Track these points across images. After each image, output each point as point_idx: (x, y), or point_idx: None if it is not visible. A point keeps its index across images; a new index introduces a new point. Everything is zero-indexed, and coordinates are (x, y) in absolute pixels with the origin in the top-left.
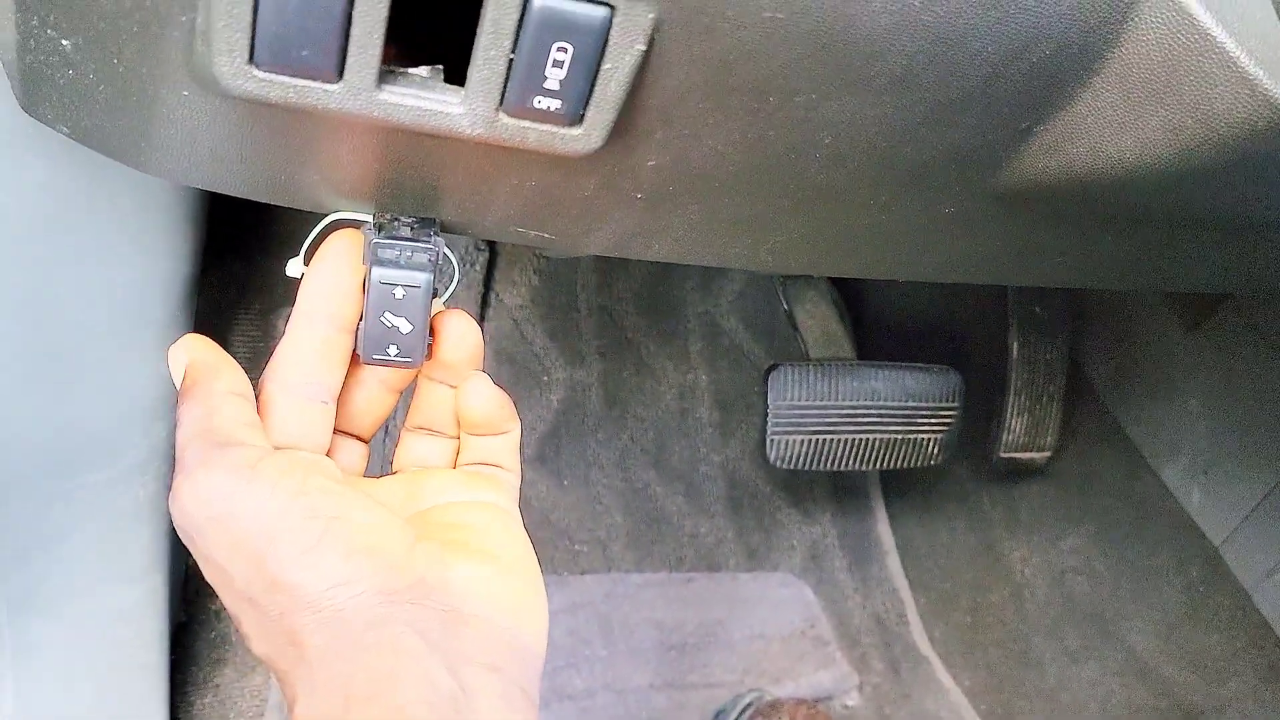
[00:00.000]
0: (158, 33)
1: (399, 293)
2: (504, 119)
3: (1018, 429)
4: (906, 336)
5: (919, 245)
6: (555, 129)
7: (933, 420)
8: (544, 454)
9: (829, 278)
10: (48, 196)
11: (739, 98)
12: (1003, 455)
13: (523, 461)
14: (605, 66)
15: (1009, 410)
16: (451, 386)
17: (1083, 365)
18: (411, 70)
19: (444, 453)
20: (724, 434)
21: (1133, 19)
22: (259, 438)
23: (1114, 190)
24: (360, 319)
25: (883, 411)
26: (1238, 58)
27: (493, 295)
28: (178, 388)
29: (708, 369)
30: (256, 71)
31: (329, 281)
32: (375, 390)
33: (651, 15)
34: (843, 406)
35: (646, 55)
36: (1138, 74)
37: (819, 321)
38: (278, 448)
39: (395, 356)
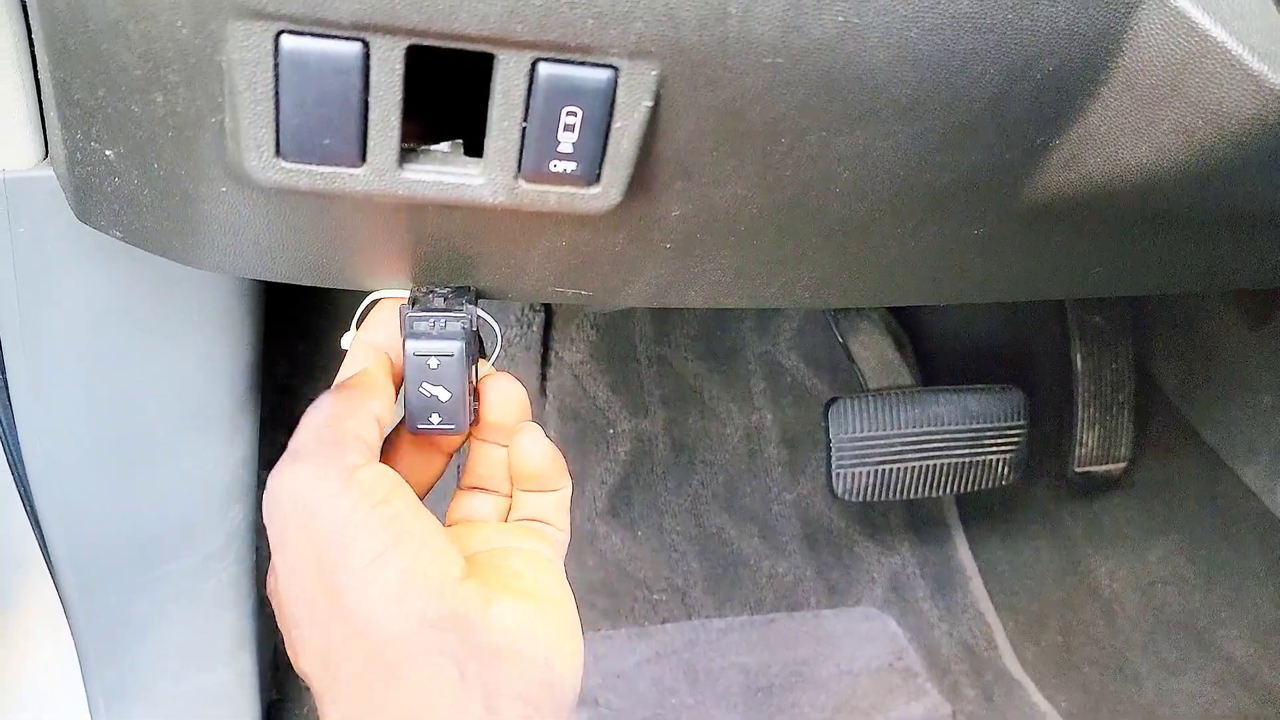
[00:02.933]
0: (191, 136)
1: (434, 363)
2: (523, 185)
3: (1090, 442)
4: (969, 358)
5: (955, 268)
6: (574, 189)
7: (1000, 440)
8: (615, 507)
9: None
10: (113, 297)
11: (752, 142)
12: (1078, 470)
13: (595, 516)
14: (616, 126)
15: (1079, 424)
16: (503, 446)
17: (1151, 372)
18: (433, 147)
19: (496, 509)
20: (794, 472)
21: (1131, 27)
22: (367, 451)
23: (1135, 196)
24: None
25: (948, 436)
26: (1239, 55)
27: (553, 354)
28: (343, 372)
29: (772, 408)
30: (284, 163)
31: (367, 354)
32: (427, 453)
33: (655, 72)
34: (906, 434)
35: (655, 110)
36: (1144, 80)
37: (875, 351)
38: None
39: (439, 424)
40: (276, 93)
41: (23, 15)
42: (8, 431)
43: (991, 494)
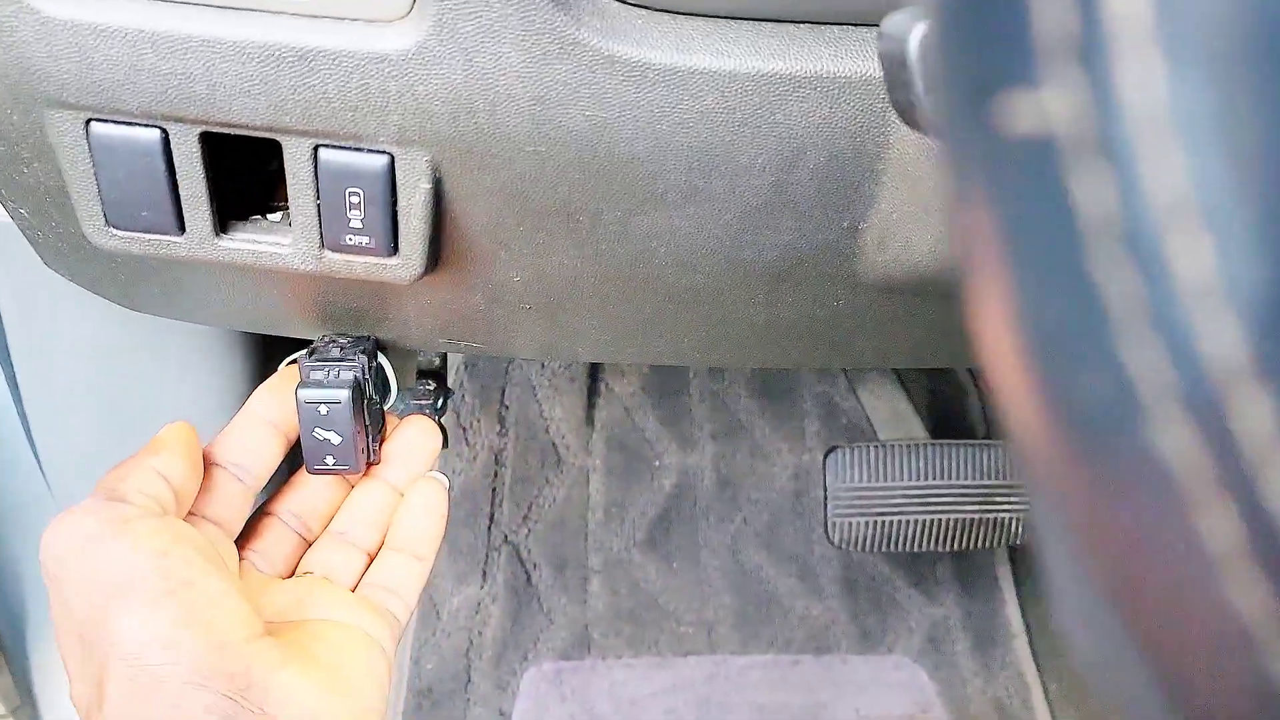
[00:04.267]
0: (61, 202)
1: (323, 409)
2: (329, 255)
3: None
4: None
5: (834, 336)
6: (376, 260)
7: (1013, 499)
8: (654, 538)
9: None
10: (109, 331)
11: (551, 219)
12: None
13: (633, 545)
14: (401, 204)
15: None
16: (398, 491)
17: None
18: (268, 216)
19: (353, 565)
20: None
21: (892, 120)
22: (149, 504)
23: (940, 277)
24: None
25: (955, 491)
26: None
27: (602, 385)
28: None
29: (824, 449)
30: (115, 231)
31: (268, 395)
32: (328, 484)
33: (427, 158)
34: (911, 487)
35: (441, 189)
36: (913, 170)
37: (885, 402)
38: (193, 514)
39: (334, 465)
40: (95, 171)
41: None
42: (36, 451)
43: None
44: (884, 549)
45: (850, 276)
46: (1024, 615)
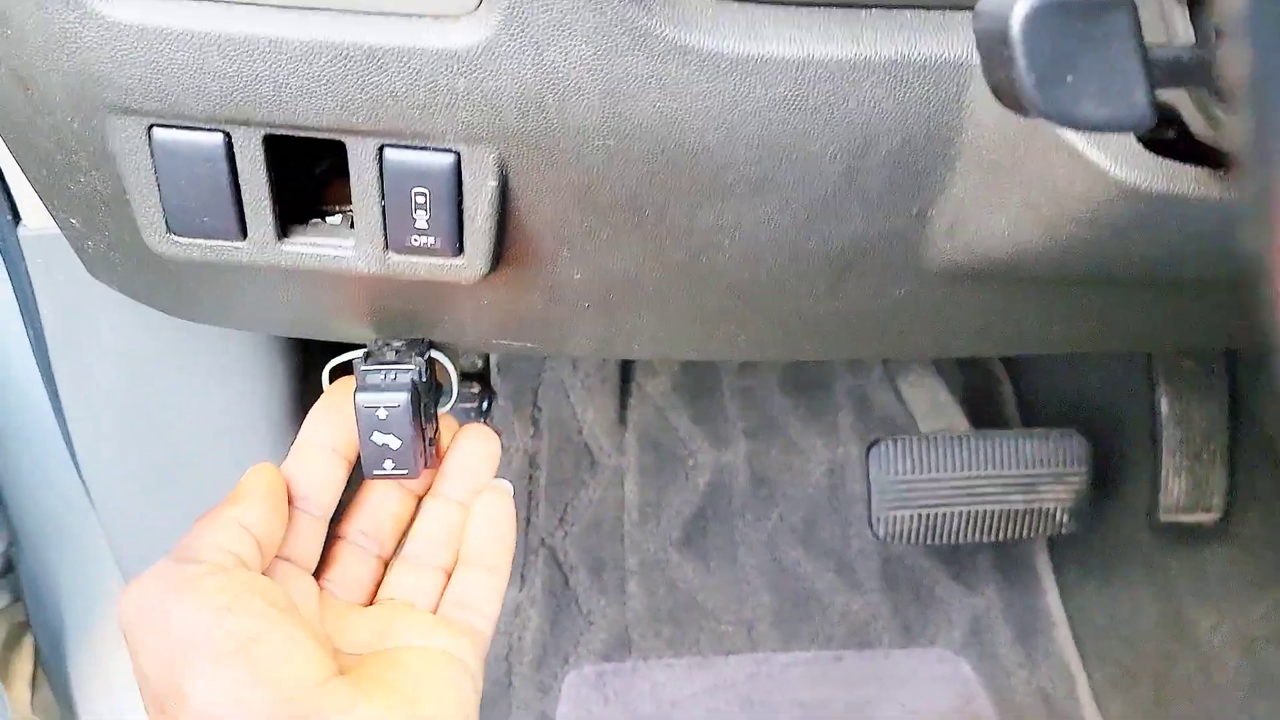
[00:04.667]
0: (119, 210)
1: (382, 413)
2: (393, 256)
3: (1177, 490)
4: (1063, 402)
5: (895, 326)
6: (441, 260)
7: (1058, 487)
8: (690, 537)
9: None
10: (146, 338)
11: (616, 215)
12: (1164, 518)
13: (669, 545)
14: (467, 203)
15: (1164, 471)
16: (462, 505)
17: (1254, 419)
18: (328, 219)
19: (431, 586)
20: None
21: (967, 104)
22: (226, 560)
23: (1011, 264)
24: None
25: (1000, 481)
26: (1062, 134)
27: (633, 385)
28: None
29: (859, 444)
30: (175, 238)
31: (324, 414)
32: (393, 495)
33: (493, 155)
34: (956, 478)
35: (506, 187)
36: (988, 156)
37: (925, 393)
38: (277, 557)
39: (393, 470)
40: (157, 177)
41: None
42: (76, 462)
43: (1086, 540)
44: (929, 542)
45: (915, 265)
46: (1065, 604)
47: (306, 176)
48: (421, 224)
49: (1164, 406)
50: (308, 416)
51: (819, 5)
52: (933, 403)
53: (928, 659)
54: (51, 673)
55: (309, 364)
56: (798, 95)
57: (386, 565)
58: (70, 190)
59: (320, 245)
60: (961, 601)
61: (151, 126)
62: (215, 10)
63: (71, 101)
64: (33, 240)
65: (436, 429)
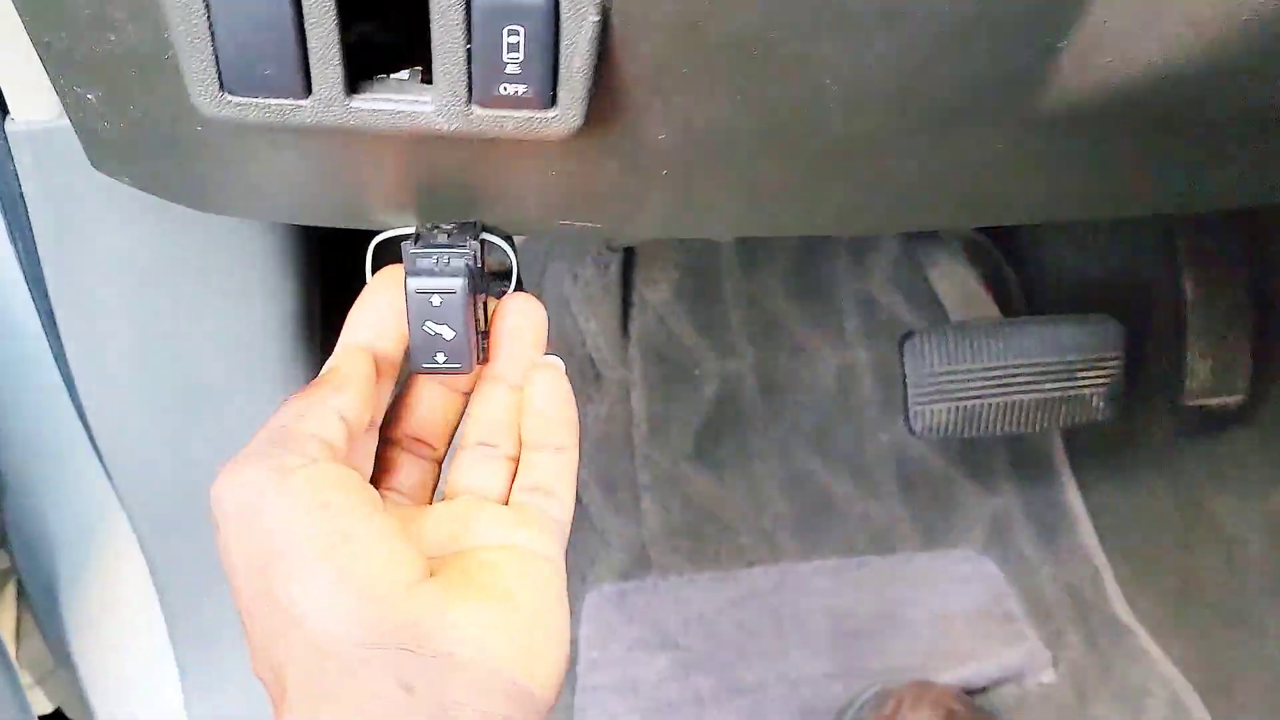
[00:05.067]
0: (154, 74)
1: (436, 300)
2: (477, 111)
3: (1202, 374)
4: (1072, 286)
5: (983, 187)
6: (531, 113)
7: (1093, 373)
8: (702, 449)
9: (972, 231)
10: (151, 247)
11: (722, 56)
12: (1189, 403)
13: (681, 459)
14: (564, 44)
15: (1190, 354)
16: (515, 388)
17: (1273, 298)
18: (392, 76)
19: (499, 475)
20: (889, 411)
21: None
22: (321, 452)
23: (1152, 98)
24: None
25: (1036, 370)
26: None
27: (635, 295)
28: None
29: (866, 346)
30: (230, 97)
31: (369, 311)
32: (439, 395)
33: None
34: (990, 368)
35: (607, 26)
36: None
37: (956, 283)
38: None
39: (444, 364)
40: (210, 25)
41: None
42: (70, 386)
43: (1103, 431)
44: (965, 434)
45: (1028, 109)
46: (1084, 498)
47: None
48: (513, 69)
49: (1189, 290)
50: (350, 315)
51: None
52: (963, 292)
53: (952, 559)
54: (44, 623)
55: (325, 279)
56: None
57: (439, 466)
58: (95, 54)
59: (395, 101)
60: (981, 501)
61: None
62: None
63: None
64: (22, 135)
65: (489, 322)
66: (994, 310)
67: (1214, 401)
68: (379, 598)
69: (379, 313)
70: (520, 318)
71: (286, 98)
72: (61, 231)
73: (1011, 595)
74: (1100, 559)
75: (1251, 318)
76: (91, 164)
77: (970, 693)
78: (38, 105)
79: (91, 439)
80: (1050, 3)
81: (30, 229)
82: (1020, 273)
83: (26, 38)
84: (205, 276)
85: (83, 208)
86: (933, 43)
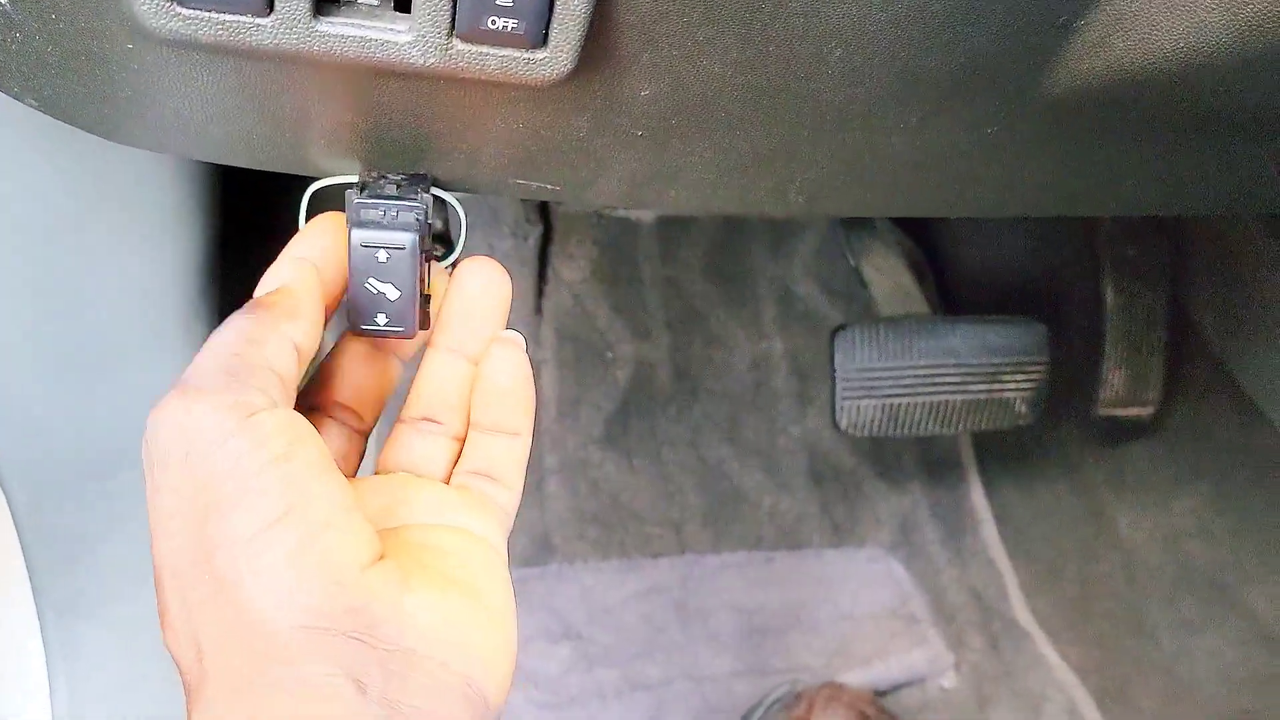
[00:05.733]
0: None
1: (382, 255)
2: (458, 45)
3: (1117, 383)
4: (992, 290)
5: (965, 174)
6: (517, 53)
7: (1018, 376)
8: (611, 434)
9: (898, 228)
10: (50, 182)
11: (728, 8)
12: (1102, 412)
13: (590, 443)
14: None
15: (1106, 363)
16: (468, 360)
17: (1188, 311)
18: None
19: (441, 455)
20: (802, 404)
21: None
22: (279, 392)
23: (1171, 87)
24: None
25: (963, 370)
26: None
27: (550, 270)
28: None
29: (782, 336)
30: (180, 9)
31: (310, 247)
32: (373, 360)
33: None
34: (919, 367)
35: None
36: None
37: (888, 276)
38: None
39: (385, 326)
40: None
41: None
42: None
43: (1010, 435)
44: (891, 433)
45: (1026, 91)
46: (989, 501)
47: None
48: (505, 1)
49: (1109, 296)
50: (289, 247)
51: None
52: (896, 286)
53: (859, 559)
54: None
55: (238, 239)
56: None
57: (365, 440)
58: None
59: (365, 27)
60: (889, 499)
61: None
62: None
63: None
64: None
65: (429, 286)
66: (924, 307)
67: (1125, 412)
68: (335, 575)
69: (320, 255)
70: (483, 284)
71: (245, 14)
72: None
73: (917, 597)
74: (1004, 563)
75: (1165, 332)
76: None
77: (876, 694)
78: None
79: None
80: None
81: None
82: (938, 270)
83: None
84: (104, 216)
85: None
86: (946, 10)
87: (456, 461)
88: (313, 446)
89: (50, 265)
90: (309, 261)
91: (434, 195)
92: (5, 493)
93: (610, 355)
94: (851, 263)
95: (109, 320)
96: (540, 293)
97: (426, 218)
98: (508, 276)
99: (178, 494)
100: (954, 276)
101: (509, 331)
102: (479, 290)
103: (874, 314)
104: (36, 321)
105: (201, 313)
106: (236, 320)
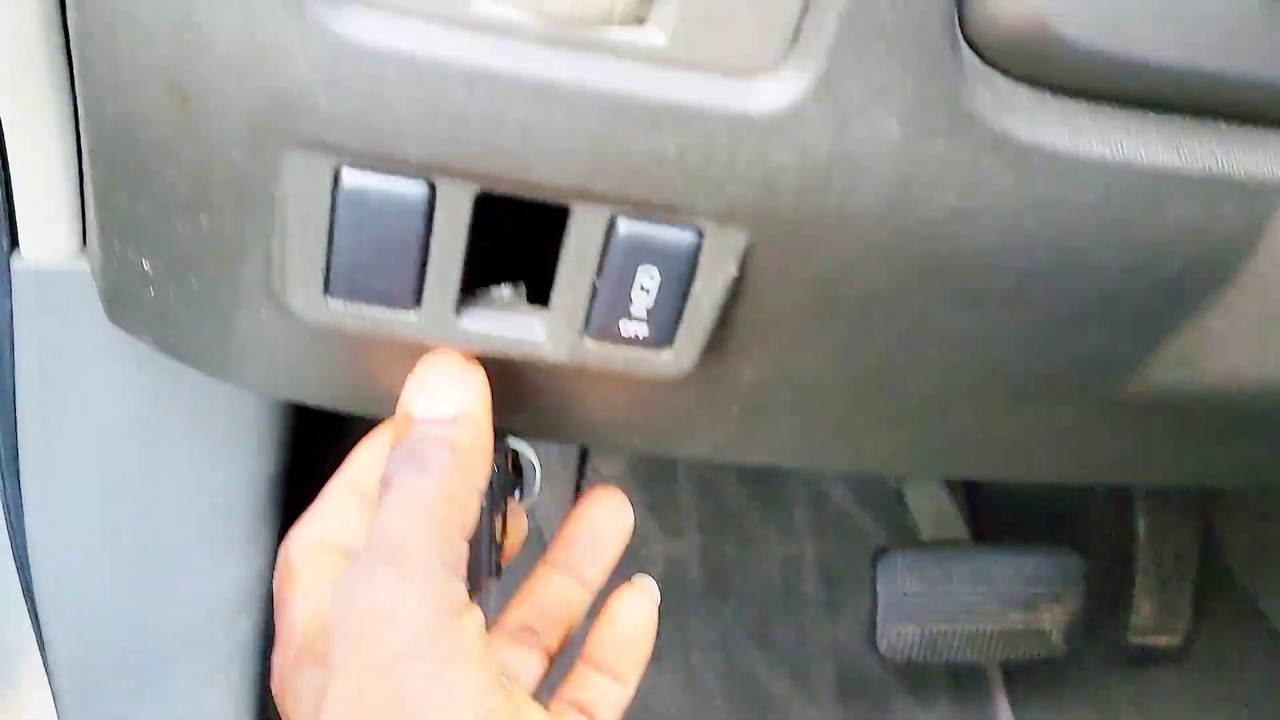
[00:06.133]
0: (235, 260)
1: None
2: (589, 344)
3: (1146, 612)
4: (1020, 509)
5: (1034, 451)
6: (643, 353)
7: (1055, 607)
8: None
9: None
10: (139, 400)
11: (840, 313)
12: (1131, 640)
13: None
14: (695, 289)
15: (1136, 592)
16: (584, 586)
17: (1219, 541)
18: (493, 290)
19: (534, 667)
20: (832, 612)
21: (1269, 229)
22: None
23: (1254, 402)
24: None
25: (1001, 599)
26: None
27: (589, 466)
28: (419, 412)
29: (814, 541)
30: (332, 302)
31: (371, 463)
32: None
33: (743, 238)
34: (959, 595)
35: (739, 276)
36: (1277, 288)
37: (930, 500)
38: None
39: None
40: (331, 229)
41: (72, 107)
42: (15, 525)
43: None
44: (929, 659)
45: (1105, 391)
46: None
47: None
48: (639, 310)
49: (1142, 526)
50: (351, 455)
51: (1135, 106)
52: (937, 512)
53: None
54: None
55: (303, 454)
56: (1105, 203)
57: None
58: (173, 231)
59: (503, 324)
60: (916, 715)
61: (341, 168)
62: (475, 41)
63: (248, 128)
64: (28, 274)
65: (505, 529)
66: (964, 531)
67: (1153, 640)
68: None
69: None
70: (607, 514)
71: (394, 308)
72: (47, 376)
73: None
74: None
75: (1196, 561)
76: (108, 316)
77: None
78: (54, 245)
79: (26, 575)
80: (1171, 304)
81: (13, 373)
82: (969, 486)
83: (58, 173)
84: (187, 433)
85: (75, 355)
86: (1047, 325)
87: (543, 675)
88: (494, 653)
89: (122, 468)
90: (479, 374)
91: (512, 446)
92: (53, 689)
93: (643, 553)
94: (894, 484)
95: (175, 525)
96: (578, 487)
97: (500, 474)
98: (630, 510)
99: (363, 678)
100: (985, 494)
101: (644, 578)
102: (603, 519)
103: (913, 535)
104: (103, 521)
105: (267, 521)
106: (436, 462)
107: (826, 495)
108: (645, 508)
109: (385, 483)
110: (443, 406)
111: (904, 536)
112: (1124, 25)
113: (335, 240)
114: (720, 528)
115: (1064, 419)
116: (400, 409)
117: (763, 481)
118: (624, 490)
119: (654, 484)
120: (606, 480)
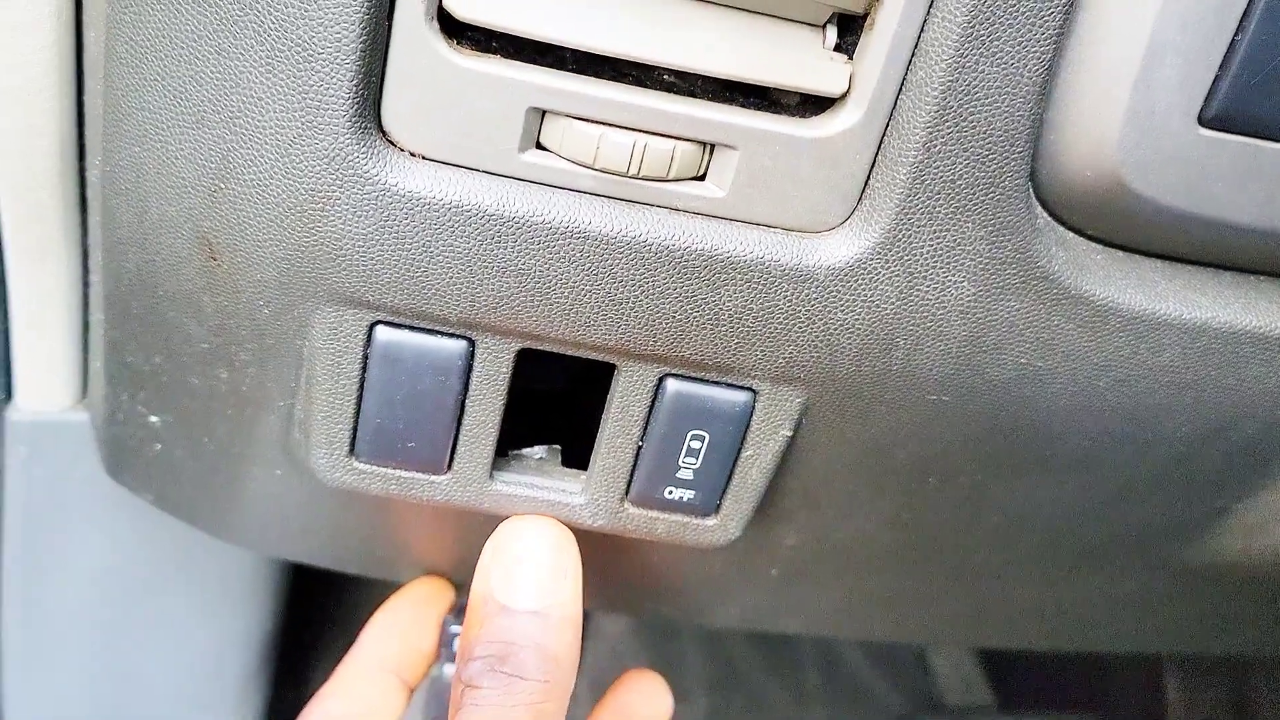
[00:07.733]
0: (253, 417)
1: None
2: (630, 509)
3: None
4: (1049, 674)
5: (1088, 620)
6: (687, 519)
7: None
8: None
9: None
10: (129, 556)
11: (896, 479)
12: None
13: None
14: (746, 454)
15: None
16: None
17: (1249, 708)
18: (525, 451)
19: None
20: None
21: None
22: None
23: None
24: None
25: None
26: None
27: (591, 624)
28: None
29: (825, 706)
30: (357, 463)
31: (391, 633)
32: None
33: (800, 400)
34: None
35: (792, 439)
36: None
37: (956, 666)
38: None
39: None
40: (361, 387)
41: (81, 257)
42: None
43: None
44: None
45: (1169, 559)
46: None
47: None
48: (686, 474)
49: (1172, 691)
50: (368, 629)
51: (1211, 266)
52: (962, 677)
53: None
54: None
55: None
56: (1181, 364)
57: None
58: (188, 386)
59: (539, 488)
60: None
61: (375, 324)
62: (525, 193)
63: (279, 281)
64: (22, 426)
65: None
66: (989, 696)
67: None
68: None
69: (402, 637)
70: (644, 698)
71: (423, 472)
72: (33, 530)
73: None
74: None
75: None
76: (107, 471)
77: None
78: (51, 396)
79: None
80: (1244, 470)
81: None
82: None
83: (62, 322)
84: (177, 589)
85: (65, 509)
86: (1113, 492)
87: None
88: None
89: (106, 623)
90: (574, 551)
91: None
92: None
93: None
94: (913, 646)
95: (159, 684)
96: (580, 647)
97: None
98: (670, 697)
99: None
100: (1010, 656)
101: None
102: (640, 705)
103: (929, 700)
104: (83, 680)
105: (257, 683)
106: (534, 675)
107: (839, 656)
108: (649, 666)
109: (469, 682)
110: (535, 595)
111: (920, 701)
112: (1201, 184)
113: (365, 399)
114: (727, 691)
115: (1127, 587)
116: (480, 586)
117: (771, 641)
118: (628, 649)
119: (659, 642)
120: (610, 636)
